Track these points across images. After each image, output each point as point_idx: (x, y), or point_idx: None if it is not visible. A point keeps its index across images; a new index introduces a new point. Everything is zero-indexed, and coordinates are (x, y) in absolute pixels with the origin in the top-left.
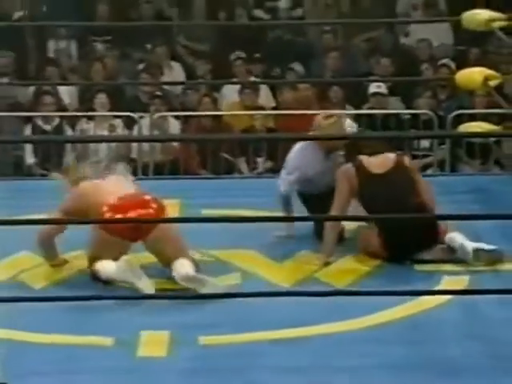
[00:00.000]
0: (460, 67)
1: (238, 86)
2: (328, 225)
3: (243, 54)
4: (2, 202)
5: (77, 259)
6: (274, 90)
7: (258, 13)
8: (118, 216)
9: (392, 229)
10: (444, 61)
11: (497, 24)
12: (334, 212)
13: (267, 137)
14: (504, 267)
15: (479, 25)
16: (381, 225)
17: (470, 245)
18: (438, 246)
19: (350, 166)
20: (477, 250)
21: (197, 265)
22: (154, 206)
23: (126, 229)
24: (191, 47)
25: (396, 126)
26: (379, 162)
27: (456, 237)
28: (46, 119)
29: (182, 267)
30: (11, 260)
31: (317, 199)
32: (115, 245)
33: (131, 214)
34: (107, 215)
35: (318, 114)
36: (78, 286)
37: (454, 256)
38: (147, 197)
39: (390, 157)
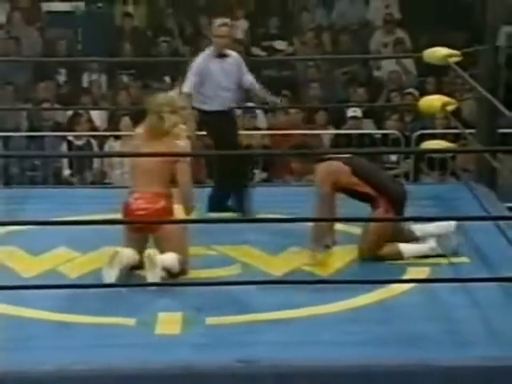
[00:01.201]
0: (422, 95)
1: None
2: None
3: None
4: (44, 207)
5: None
6: (267, 113)
7: (256, 50)
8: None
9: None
10: (409, 89)
11: (453, 59)
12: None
13: (263, 152)
14: (457, 260)
15: (438, 60)
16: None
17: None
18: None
19: (331, 162)
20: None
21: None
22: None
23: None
24: None
25: (369, 143)
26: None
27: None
28: (80, 137)
29: (165, 256)
30: (51, 254)
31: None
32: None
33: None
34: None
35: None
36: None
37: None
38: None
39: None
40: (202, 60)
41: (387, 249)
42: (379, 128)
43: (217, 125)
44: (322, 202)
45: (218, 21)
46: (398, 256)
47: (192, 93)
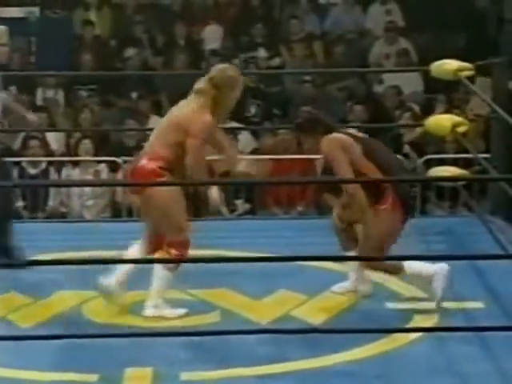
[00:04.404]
0: (429, 114)
1: None
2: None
3: None
4: None
5: (62, 299)
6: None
7: (236, 63)
8: None
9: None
10: (409, 104)
11: (464, 73)
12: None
13: (245, 181)
14: (469, 305)
15: (447, 74)
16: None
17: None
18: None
19: (341, 135)
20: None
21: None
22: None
23: None
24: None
25: None
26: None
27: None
28: (34, 164)
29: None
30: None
31: None
32: None
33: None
34: None
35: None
36: (63, 325)
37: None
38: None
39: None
40: None
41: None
42: None
43: None
44: (342, 169)
45: None
46: (398, 270)
47: None
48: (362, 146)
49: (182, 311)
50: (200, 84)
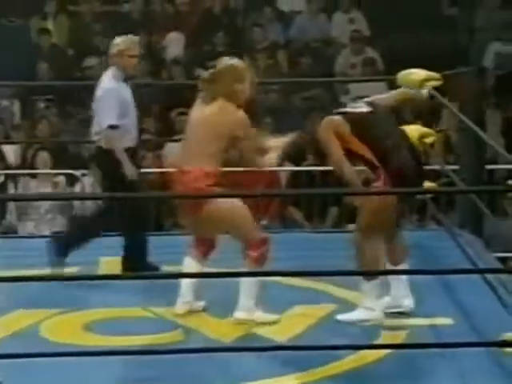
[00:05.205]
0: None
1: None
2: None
3: (185, 110)
4: None
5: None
6: None
7: (198, 71)
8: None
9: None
10: None
11: (431, 83)
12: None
13: (208, 195)
14: (438, 321)
15: (414, 84)
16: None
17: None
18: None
19: (332, 117)
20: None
21: None
22: None
23: None
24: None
25: (334, 182)
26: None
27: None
28: None
29: None
30: None
31: None
32: None
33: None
34: None
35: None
36: (20, 344)
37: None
38: None
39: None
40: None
41: (373, 247)
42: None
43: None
44: (340, 162)
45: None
46: (375, 263)
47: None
48: (351, 124)
49: (274, 317)
50: (206, 81)
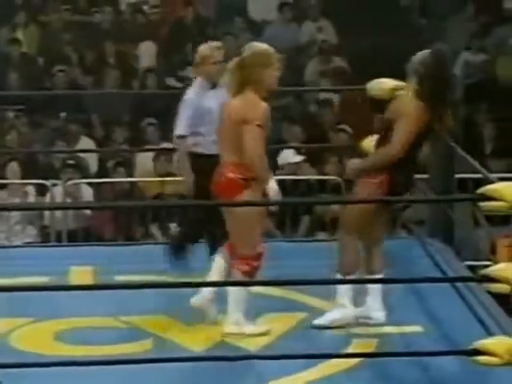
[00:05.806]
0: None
1: (151, 153)
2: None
3: (155, 121)
4: None
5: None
6: None
7: (170, 81)
8: None
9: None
10: (342, 126)
11: (400, 92)
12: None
13: (179, 203)
14: (408, 329)
15: (384, 93)
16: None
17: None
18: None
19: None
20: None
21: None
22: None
23: None
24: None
25: (306, 191)
26: None
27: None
28: None
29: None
30: None
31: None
32: None
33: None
34: None
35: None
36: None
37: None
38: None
39: None
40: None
41: (353, 249)
42: (318, 172)
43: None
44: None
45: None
46: (351, 268)
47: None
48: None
49: (263, 328)
50: (231, 70)
